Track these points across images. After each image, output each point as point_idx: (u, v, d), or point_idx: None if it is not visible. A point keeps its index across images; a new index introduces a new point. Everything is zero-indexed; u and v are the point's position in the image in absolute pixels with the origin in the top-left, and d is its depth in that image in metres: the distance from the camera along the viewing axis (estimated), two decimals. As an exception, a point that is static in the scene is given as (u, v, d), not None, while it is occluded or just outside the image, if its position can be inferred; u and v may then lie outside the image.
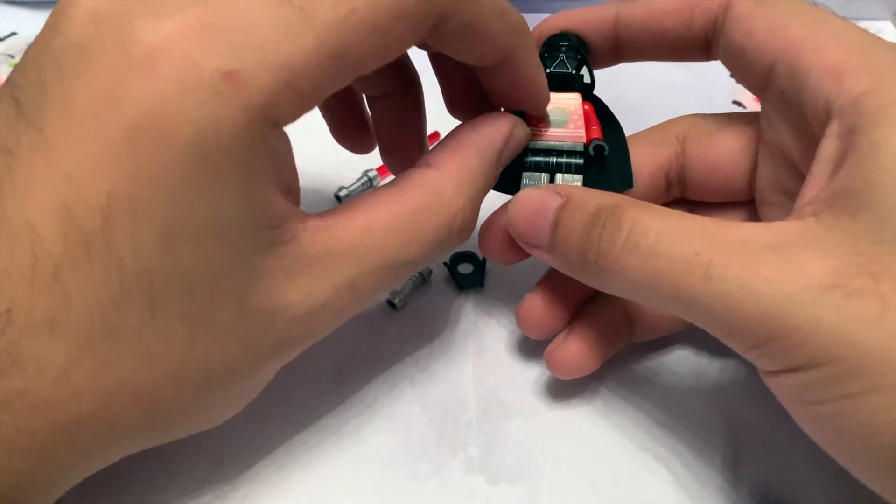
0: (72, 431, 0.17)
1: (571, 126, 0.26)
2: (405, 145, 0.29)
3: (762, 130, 0.24)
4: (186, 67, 0.16)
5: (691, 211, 0.28)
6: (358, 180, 0.36)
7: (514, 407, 0.27)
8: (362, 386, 0.28)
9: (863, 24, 0.49)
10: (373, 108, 0.29)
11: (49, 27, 0.18)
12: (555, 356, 0.26)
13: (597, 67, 0.27)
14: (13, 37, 0.48)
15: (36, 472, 0.17)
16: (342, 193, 0.36)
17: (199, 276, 0.17)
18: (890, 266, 0.17)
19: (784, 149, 0.23)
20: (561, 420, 0.27)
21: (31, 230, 0.16)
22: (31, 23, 0.48)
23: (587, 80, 0.26)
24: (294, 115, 0.18)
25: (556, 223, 0.23)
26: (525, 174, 0.26)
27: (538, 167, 0.26)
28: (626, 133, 0.27)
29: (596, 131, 0.26)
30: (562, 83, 0.26)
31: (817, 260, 0.18)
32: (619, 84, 0.35)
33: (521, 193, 0.24)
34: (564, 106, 0.26)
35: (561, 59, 0.25)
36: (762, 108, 0.24)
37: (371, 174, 0.36)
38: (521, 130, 0.25)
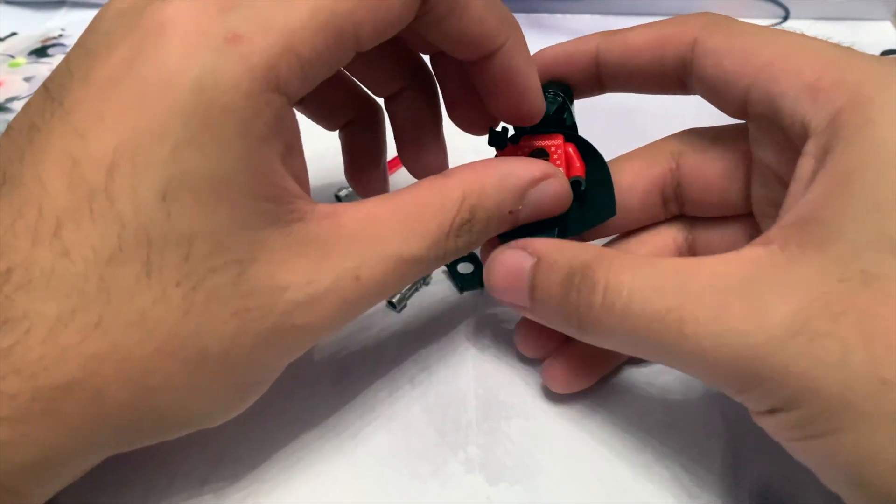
0: (56, 400, 0.17)
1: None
2: (422, 143, 0.29)
3: (752, 145, 0.24)
4: (193, 31, 0.17)
5: (691, 227, 0.28)
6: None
7: (514, 407, 0.27)
8: (362, 386, 0.28)
9: (863, 24, 0.49)
10: (390, 110, 0.29)
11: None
12: (550, 371, 0.27)
13: (580, 98, 0.27)
14: (13, 37, 0.48)
15: (18, 445, 0.17)
16: (342, 193, 0.36)
17: (198, 237, 0.18)
18: (852, 305, 0.17)
19: (772, 166, 0.23)
20: (561, 420, 0.27)
21: (39, 185, 0.17)
22: (31, 23, 0.48)
23: (569, 122, 0.26)
24: (298, 83, 0.19)
25: (532, 286, 0.23)
26: None
27: None
28: (623, 150, 0.28)
29: (578, 169, 0.26)
30: (544, 127, 0.26)
31: (783, 302, 0.18)
32: (604, 103, 0.35)
33: (494, 256, 0.24)
34: (545, 146, 0.26)
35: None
36: (749, 129, 0.24)
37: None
38: (559, 185, 0.24)
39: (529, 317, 0.24)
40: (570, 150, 0.26)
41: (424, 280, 0.32)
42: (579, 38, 0.26)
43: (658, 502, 0.25)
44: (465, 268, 0.33)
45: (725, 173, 0.26)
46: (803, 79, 0.20)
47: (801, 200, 0.20)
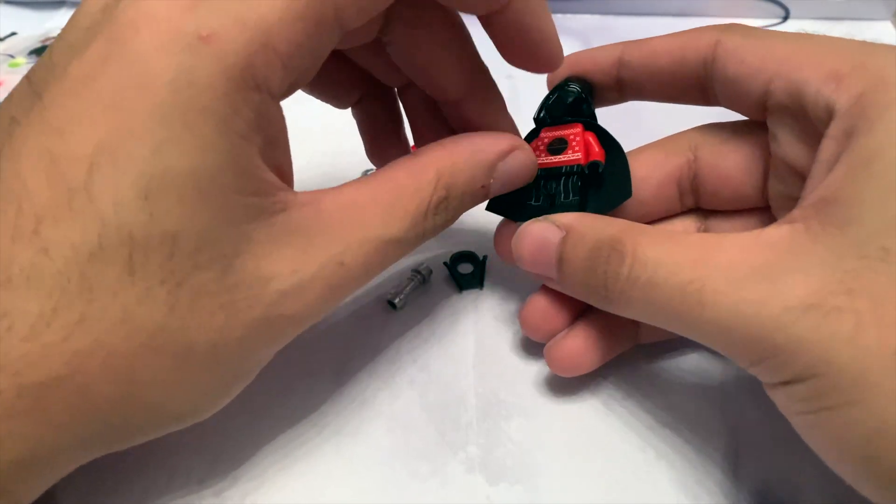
0: (41, 397, 0.17)
1: (570, 151, 0.26)
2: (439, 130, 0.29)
3: (770, 140, 0.25)
4: (167, 30, 0.17)
5: (706, 220, 0.28)
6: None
7: (514, 406, 0.27)
8: (362, 385, 0.28)
9: (863, 25, 0.49)
10: (403, 99, 0.30)
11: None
12: (554, 352, 0.26)
13: (600, 106, 0.28)
14: (13, 37, 0.48)
15: (4, 441, 0.17)
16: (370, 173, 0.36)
17: (182, 235, 0.18)
18: (869, 282, 0.18)
19: (792, 162, 0.24)
20: (561, 419, 0.27)
21: (20, 183, 0.17)
22: (31, 23, 0.48)
23: (587, 112, 0.27)
24: (278, 79, 0.19)
25: (560, 258, 0.24)
26: (528, 199, 0.27)
27: (540, 192, 0.27)
28: (630, 134, 0.28)
29: (597, 154, 0.26)
30: (562, 116, 0.27)
31: (800, 278, 0.19)
32: (623, 107, 0.35)
33: (522, 228, 0.25)
34: (565, 135, 0.27)
35: (559, 96, 0.27)
36: (768, 127, 0.24)
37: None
38: (525, 156, 0.25)
39: (556, 287, 0.25)
40: (590, 138, 0.26)
41: (424, 280, 0.32)
42: (604, 46, 0.27)
43: (658, 502, 0.25)
44: (464, 268, 0.33)
45: (742, 167, 0.26)
46: (826, 66, 0.21)
47: (823, 182, 0.20)
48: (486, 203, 0.27)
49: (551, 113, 0.27)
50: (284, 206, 0.20)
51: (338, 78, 0.29)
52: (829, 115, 0.21)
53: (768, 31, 0.24)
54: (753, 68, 0.23)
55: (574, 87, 0.27)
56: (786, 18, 0.50)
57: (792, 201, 0.24)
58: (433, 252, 0.33)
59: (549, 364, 0.27)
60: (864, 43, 0.22)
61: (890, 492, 0.18)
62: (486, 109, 0.27)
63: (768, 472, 0.25)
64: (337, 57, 0.28)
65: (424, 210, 0.23)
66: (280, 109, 0.20)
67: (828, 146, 0.21)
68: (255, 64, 0.18)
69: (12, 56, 0.46)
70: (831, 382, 0.18)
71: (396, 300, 0.30)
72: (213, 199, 0.18)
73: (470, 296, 0.32)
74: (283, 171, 0.21)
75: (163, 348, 0.18)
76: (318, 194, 0.21)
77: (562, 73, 0.28)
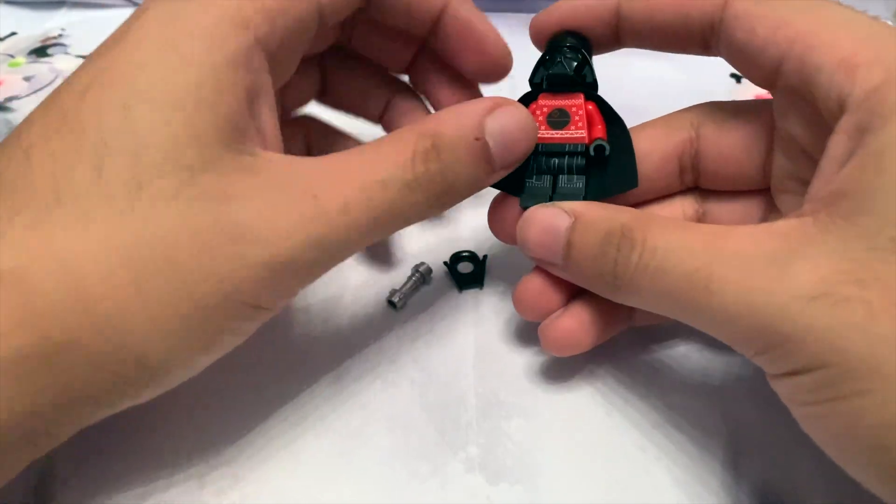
0: None
1: (573, 127, 0.25)
2: None
3: (776, 119, 0.24)
4: None
5: (704, 202, 0.28)
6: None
7: (514, 406, 0.27)
8: (362, 385, 0.28)
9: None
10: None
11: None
12: (549, 331, 0.26)
13: (597, 53, 0.27)
14: (13, 36, 0.48)
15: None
16: None
17: (151, 143, 0.19)
18: (879, 272, 0.18)
19: (798, 139, 0.23)
20: (561, 420, 0.27)
21: (27, 123, 0.20)
22: (31, 23, 0.48)
23: (589, 79, 0.26)
24: (266, 28, 0.21)
25: (568, 244, 0.23)
26: (528, 176, 0.26)
27: (540, 168, 0.26)
28: (635, 119, 0.27)
29: (599, 130, 0.25)
30: (563, 84, 0.26)
31: (810, 267, 0.18)
32: (618, 84, 0.35)
33: (529, 213, 0.25)
34: (566, 106, 0.26)
35: (560, 61, 0.25)
36: (774, 100, 0.24)
37: None
38: (517, 110, 0.24)
39: (559, 273, 0.25)
40: (592, 108, 0.26)
41: (424, 280, 0.31)
42: None
43: (658, 501, 0.25)
44: (464, 267, 0.33)
45: (744, 146, 0.26)
46: (839, 53, 0.20)
47: (834, 177, 0.20)
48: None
49: (552, 81, 0.26)
50: (257, 153, 0.21)
51: (360, 83, 0.30)
52: (841, 107, 0.20)
53: None
54: (763, 41, 0.22)
55: (574, 52, 0.25)
56: (786, 18, 0.50)
57: (794, 181, 0.24)
58: (433, 252, 0.33)
59: (543, 343, 0.26)
60: (880, 26, 0.21)
61: None
62: (466, 9, 0.27)
63: (768, 472, 0.25)
64: (356, 64, 0.30)
65: (410, 156, 0.22)
66: (268, 76, 0.22)
67: (838, 141, 0.20)
68: (246, 7, 0.21)
69: (12, 56, 0.46)
70: (842, 372, 0.18)
71: (396, 300, 0.30)
72: (186, 111, 0.19)
73: (470, 296, 0.32)
74: (267, 136, 0.22)
75: (116, 250, 0.19)
76: (295, 157, 0.22)
77: (555, 23, 0.26)
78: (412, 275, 0.31)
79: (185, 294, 0.19)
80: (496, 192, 0.27)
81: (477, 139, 0.23)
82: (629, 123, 0.27)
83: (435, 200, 0.23)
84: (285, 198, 0.20)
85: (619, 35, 0.26)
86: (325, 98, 0.32)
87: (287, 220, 0.20)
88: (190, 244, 0.19)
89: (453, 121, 0.23)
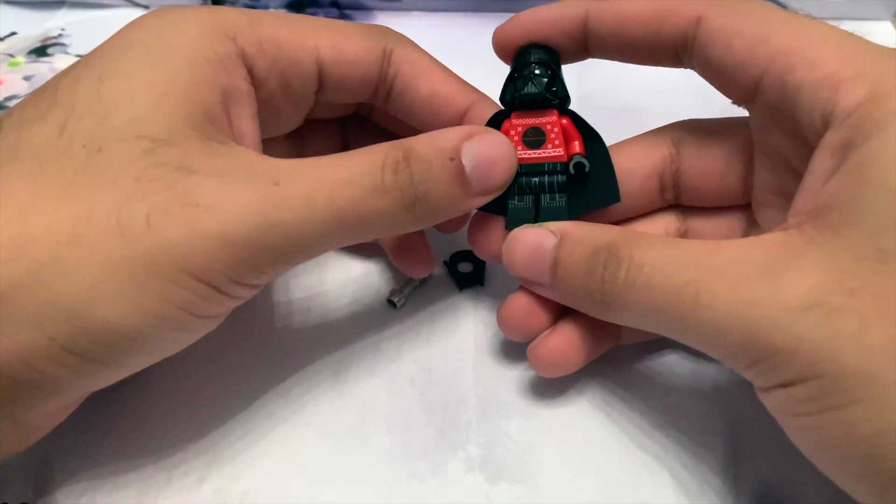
0: None
1: (550, 145, 0.25)
2: None
3: (754, 134, 0.24)
4: None
5: (685, 219, 0.28)
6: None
7: (514, 406, 0.27)
8: (362, 385, 0.28)
9: (863, 25, 0.49)
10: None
11: None
12: (537, 352, 0.26)
13: (564, 63, 0.26)
14: (13, 36, 0.48)
15: None
16: None
17: (117, 110, 0.20)
18: (869, 283, 0.18)
19: (778, 152, 0.23)
20: (561, 419, 0.27)
21: (18, 108, 0.21)
22: (30, 22, 0.48)
23: (561, 94, 0.25)
24: (253, 47, 0.23)
25: (555, 263, 0.23)
26: (510, 197, 0.26)
27: (521, 189, 0.26)
28: (622, 137, 0.27)
29: (577, 146, 0.25)
30: (535, 103, 0.25)
31: (799, 278, 0.18)
32: (619, 85, 0.35)
33: (514, 234, 0.24)
34: (540, 124, 0.25)
35: (530, 79, 0.25)
36: (751, 116, 0.24)
37: None
38: (495, 136, 0.24)
39: (545, 294, 0.25)
40: (566, 123, 0.26)
41: (423, 279, 0.31)
42: (565, 1, 0.25)
43: (658, 502, 0.25)
44: (464, 267, 0.33)
45: (724, 163, 0.26)
46: (821, 70, 0.20)
47: (819, 192, 0.20)
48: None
49: (524, 101, 0.25)
50: (228, 144, 0.21)
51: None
52: (825, 123, 0.20)
53: (757, 6, 0.22)
54: (742, 58, 0.22)
55: (543, 68, 0.25)
56: (786, 18, 0.50)
57: (775, 195, 0.24)
58: (433, 252, 0.33)
59: (533, 364, 0.26)
60: (859, 42, 0.21)
61: (892, 493, 0.17)
62: (413, 60, 0.27)
63: (768, 473, 0.25)
64: (376, 131, 0.30)
65: (380, 163, 0.22)
66: (251, 88, 0.24)
67: (823, 157, 0.20)
68: (236, 23, 0.23)
69: (12, 55, 0.46)
70: (835, 382, 0.18)
71: (396, 300, 0.30)
72: (156, 90, 0.20)
73: (470, 295, 0.32)
74: (245, 140, 0.23)
75: (64, 203, 0.19)
76: (266, 156, 0.22)
77: (522, 35, 0.25)
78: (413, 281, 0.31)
79: (130, 254, 0.19)
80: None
81: (452, 159, 0.23)
82: (631, 125, 0.27)
83: (404, 210, 0.22)
84: (246, 180, 0.20)
85: (587, 48, 0.26)
86: None
87: (245, 199, 0.20)
88: (140, 206, 0.19)
89: (428, 140, 0.23)
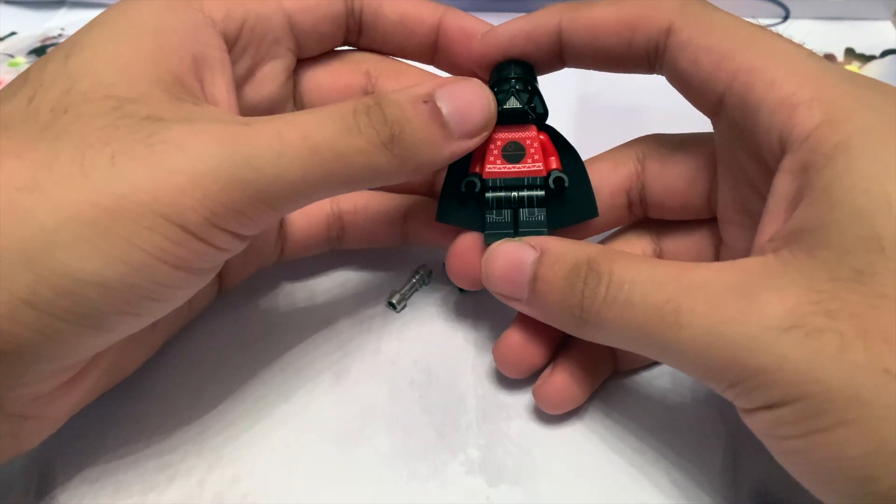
0: None
1: (529, 160, 0.25)
2: None
3: (717, 149, 0.24)
4: None
5: (658, 237, 0.28)
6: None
7: (514, 408, 0.27)
8: (362, 387, 0.28)
9: (863, 24, 0.49)
10: None
11: None
12: (542, 392, 0.26)
13: (540, 74, 0.27)
14: (13, 36, 0.48)
15: None
16: None
17: (83, 77, 0.20)
18: (846, 303, 0.18)
19: (740, 168, 0.23)
20: (561, 421, 0.27)
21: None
22: (30, 22, 0.48)
23: (539, 109, 0.25)
24: (225, 14, 0.24)
25: (534, 278, 0.23)
26: (488, 211, 0.26)
27: (500, 203, 0.26)
28: (621, 137, 0.27)
29: (554, 161, 0.26)
30: (515, 118, 0.25)
31: (777, 299, 0.18)
32: (619, 85, 0.35)
33: (494, 248, 0.24)
34: (520, 139, 0.25)
35: (511, 95, 0.25)
36: (715, 130, 0.24)
37: None
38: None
39: (522, 309, 0.25)
40: (545, 139, 0.26)
41: (425, 282, 0.31)
42: (539, 13, 0.25)
43: (657, 503, 0.25)
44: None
45: (688, 177, 0.26)
46: (779, 92, 0.20)
47: (783, 214, 0.20)
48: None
49: (505, 115, 0.25)
50: (200, 104, 0.21)
51: None
52: (782, 147, 0.20)
53: (727, 18, 0.22)
54: (706, 73, 0.22)
55: (523, 84, 0.25)
56: (786, 18, 0.50)
57: (738, 211, 0.24)
58: (432, 253, 0.33)
59: (540, 404, 0.26)
60: (823, 66, 0.21)
61: None
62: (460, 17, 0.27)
63: (767, 473, 0.25)
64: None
65: (351, 109, 0.21)
66: (223, 54, 0.23)
67: (784, 180, 0.20)
68: None
69: (12, 55, 0.46)
70: (821, 402, 0.17)
71: (396, 300, 0.30)
72: (122, 59, 0.21)
73: (470, 296, 0.32)
74: (220, 103, 0.23)
75: (26, 155, 0.18)
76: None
77: (499, 52, 0.26)
78: (412, 276, 0.31)
79: (94, 197, 0.18)
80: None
81: (425, 102, 0.22)
82: (631, 125, 0.27)
83: (384, 149, 0.21)
84: (216, 123, 0.20)
85: (562, 58, 0.26)
86: None
87: (213, 136, 0.19)
88: (104, 151, 0.18)
89: (398, 90, 0.23)
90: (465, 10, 0.28)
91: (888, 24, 0.49)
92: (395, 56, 0.28)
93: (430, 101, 0.22)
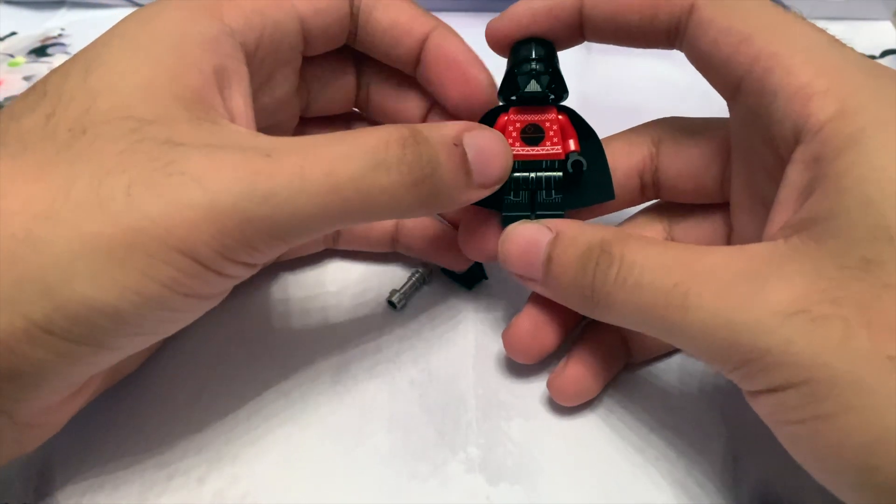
0: None
1: (548, 143, 0.26)
2: None
3: (732, 133, 0.24)
4: None
5: (669, 222, 0.28)
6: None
7: (514, 407, 0.27)
8: (362, 386, 0.28)
9: (863, 24, 0.49)
10: None
11: None
12: (557, 384, 0.27)
13: (559, 50, 0.26)
14: (13, 36, 0.48)
15: None
16: None
17: (102, 95, 0.20)
18: (853, 291, 0.18)
19: (755, 154, 0.23)
20: (561, 420, 0.27)
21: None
22: (30, 22, 0.48)
23: (560, 91, 0.26)
24: (241, 22, 0.23)
25: (548, 259, 0.23)
26: (505, 192, 0.26)
27: (518, 185, 0.26)
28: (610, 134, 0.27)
29: (573, 143, 0.26)
30: (535, 101, 0.26)
31: (784, 285, 0.19)
32: (619, 85, 0.35)
33: (510, 229, 0.25)
34: (539, 121, 0.26)
35: (532, 79, 0.25)
36: (731, 113, 0.24)
37: None
38: (492, 133, 0.24)
39: (537, 289, 0.25)
40: (564, 120, 0.26)
41: (425, 280, 0.31)
42: None
43: (658, 502, 0.25)
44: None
45: (702, 162, 0.26)
46: (796, 81, 0.20)
47: (794, 204, 0.20)
48: None
49: (525, 98, 0.25)
50: (221, 123, 0.21)
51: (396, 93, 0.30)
52: (796, 137, 0.20)
53: (750, 2, 0.22)
54: (726, 55, 0.22)
55: (543, 65, 0.25)
56: (786, 18, 0.50)
57: (750, 197, 0.24)
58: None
59: (555, 395, 0.27)
60: (843, 53, 0.21)
61: (889, 503, 0.17)
62: (451, 39, 0.27)
63: (768, 472, 0.25)
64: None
65: (385, 139, 0.21)
66: (242, 66, 0.23)
67: (796, 170, 0.20)
68: (219, 2, 0.23)
69: (12, 55, 0.46)
70: (826, 387, 0.17)
71: (396, 300, 0.30)
72: (142, 75, 0.20)
73: (470, 296, 0.32)
74: (238, 117, 0.23)
75: (47, 177, 0.18)
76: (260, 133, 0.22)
77: (518, 29, 0.25)
78: (413, 275, 0.31)
79: (110, 229, 0.18)
80: None
81: (456, 145, 0.23)
82: (630, 124, 0.27)
83: (411, 189, 0.21)
84: (236, 151, 0.19)
85: (582, 33, 0.25)
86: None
87: (233, 168, 0.19)
88: (121, 178, 0.18)
89: (429, 126, 0.23)
90: (465, 10, 0.28)
91: (888, 24, 0.50)
92: (382, 61, 0.28)
93: (460, 144, 0.23)
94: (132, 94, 0.20)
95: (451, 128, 0.23)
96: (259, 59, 0.24)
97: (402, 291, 0.31)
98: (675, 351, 0.29)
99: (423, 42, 0.27)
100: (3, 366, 0.18)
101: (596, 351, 0.27)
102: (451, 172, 0.22)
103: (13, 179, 0.18)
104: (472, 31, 0.27)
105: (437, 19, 0.27)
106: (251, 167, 0.19)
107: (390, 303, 0.31)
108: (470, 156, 0.23)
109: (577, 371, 0.26)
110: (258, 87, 0.25)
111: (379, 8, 0.27)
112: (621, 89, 0.36)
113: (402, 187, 0.21)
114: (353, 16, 0.27)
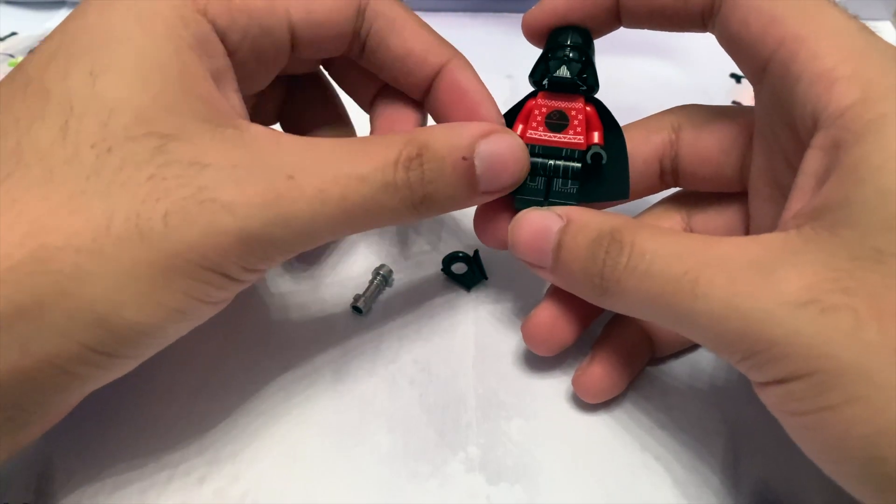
0: None
1: (571, 131, 0.26)
2: None
3: (756, 119, 0.24)
4: None
5: (688, 213, 0.28)
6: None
7: (513, 407, 0.27)
8: (362, 385, 0.28)
9: (863, 25, 0.49)
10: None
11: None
12: (582, 381, 0.27)
13: (596, 37, 0.26)
14: (13, 37, 0.48)
15: None
16: None
17: (119, 108, 0.19)
18: (864, 282, 0.18)
19: (776, 139, 0.23)
20: (561, 420, 0.27)
21: None
22: (31, 23, 0.48)
23: (591, 81, 0.25)
24: (225, 20, 0.22)
25: (558, 246, 0.23)
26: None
27: (535, 170, 0.26)
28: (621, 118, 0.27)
29: (597, 136, 0.26)
30: (564, 88, 0.25)
31: (795, 275, 0.18)
32: (619, 84, 0.35)
33: (521, 216, 0.25)
34: (565, 109, 0.26)
35: (564, 65, 0.25)
36: (756, 97, 0.24)
37: None
38: (511, 139, 0.24)
39: (546, 277, 0.25)
40: (591, 111, 0.26)
41: (386, 282, 0.31)
42: None
43: (657, 502, 0.25)
44: (458, 268, 0.32)
45: (722, 148, 0.26)
46: (820, 65, 0.20)
47: (811, 191, 0.20)
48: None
49: (554, 83, 0.25)
50: (237, 126, 0.21)
51: (352, 77, 0.30)
52: (815, 122, 0.20)
53: None
54: (754, 37, 0.22)
55: (578, 53, 0.25)
56: (786, 18, 0.50)
57: (769, 185, 0.24)
58: (430, 254, 0.33)
59: (580, 393, 0.27)
60: (868, 38, 0.21)
61: (893, 495, 0.17)
62: (466, 73, 0.27)
63: (768, 472, 0.25)
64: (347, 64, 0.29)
65: (394, 160, 0.22)
66: (228, 62, 0.23)
67: (814, 157, 0.20)
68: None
69: (12, 56, 0.46)
70: (832, 378, 0.17)
71: (361, 303, 0.30)
72: (154, 84, 0.20)
73: (470, 296, 0.32)
74: (240, 113, 0.23)
75: (80, 211, 0.18)
76: (278, 131, 0.22)
77: (556, 17, 0.25)
78: (373, 278, 0.31)
79: (151, 258, 0.19)
80: None
81: (464, 159, 0.23)
82: (627, 121, 0.26)
83: (411, 208, 0.23)
84: (261, 173, 0.20)
85: (618, 18, 0.26)
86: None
87: (260, 194, 0.20)
88: (156, 206, 0.19)
89: (445, 136, 0.23)
90: (466, 10, 0.27)
91: (888, 24, 0.50)
92: (388, 83, 0.28)
93: (469, 157, 0.23)
94: (149, 106, 0.20)
95: (467, 135, 0.23)
96: (240, 59, 0.24)
97: (364, 294, 0.30)
98: (697, 345, 0.29)
99: (436, 74, 0.27)
100: (56, 382, 0.19)
101: (620, 347, 0.27)
102: (452, 187, 0.23)
103: (51, 213, 0.19)
104: (472, 31, 0.27)
105: (452, 48, 0.27)
106: (276, 191, 0.20)
107: (355, 308, 0.30)
108: (481, 168, 0.23)
109: (603, 368, 0.26)
110: (240, 82, 0.25)
111: (393, 34, 0.26)
112: (621, 90, 0.36)
113: (404, 207, 0.23)
114: (360, 38, 0.26)
